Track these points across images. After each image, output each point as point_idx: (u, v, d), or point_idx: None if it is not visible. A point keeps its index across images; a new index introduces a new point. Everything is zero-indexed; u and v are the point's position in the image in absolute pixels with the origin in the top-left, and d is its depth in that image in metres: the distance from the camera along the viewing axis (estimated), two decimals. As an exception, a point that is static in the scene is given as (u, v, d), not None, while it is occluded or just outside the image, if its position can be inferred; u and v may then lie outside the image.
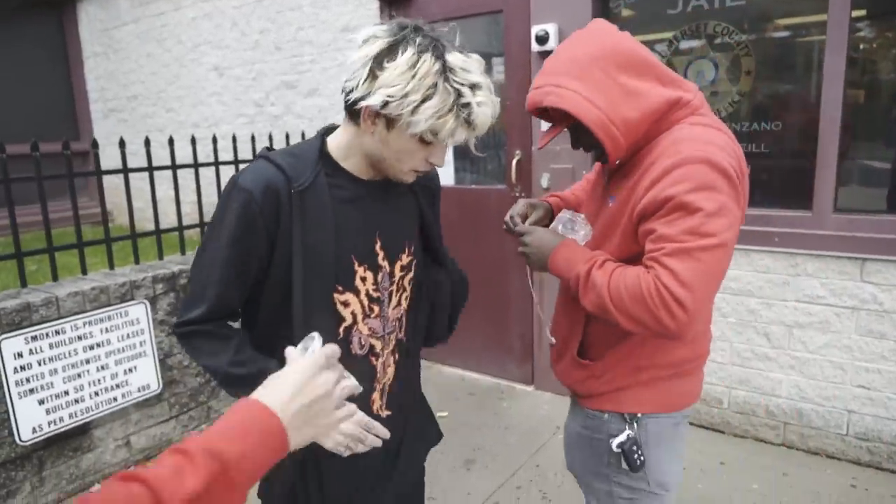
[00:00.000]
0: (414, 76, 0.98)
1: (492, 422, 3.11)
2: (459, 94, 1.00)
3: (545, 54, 3.10)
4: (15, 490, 2.37)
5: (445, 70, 1.00)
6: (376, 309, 1.19)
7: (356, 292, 1.15)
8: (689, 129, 1.20)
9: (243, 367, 1.07)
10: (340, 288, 1.13)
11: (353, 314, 1.16)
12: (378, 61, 0.99)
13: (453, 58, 1.01)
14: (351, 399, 0.94)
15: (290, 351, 0.83)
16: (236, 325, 1.17)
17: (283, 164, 1.08)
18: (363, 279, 1.16)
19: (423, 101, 0.98)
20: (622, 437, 1.30)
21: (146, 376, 2.72)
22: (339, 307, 1.14)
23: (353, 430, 0.96)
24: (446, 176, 3.64)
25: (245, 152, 3.82)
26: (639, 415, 1.32)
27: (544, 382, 3.46)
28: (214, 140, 3.26)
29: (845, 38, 2.46)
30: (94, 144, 2.77)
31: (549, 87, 1.21)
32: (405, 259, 1.24)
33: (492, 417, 3.16)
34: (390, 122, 1.03)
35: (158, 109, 5.73)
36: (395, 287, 1.22)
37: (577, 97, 1.17)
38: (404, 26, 1.03)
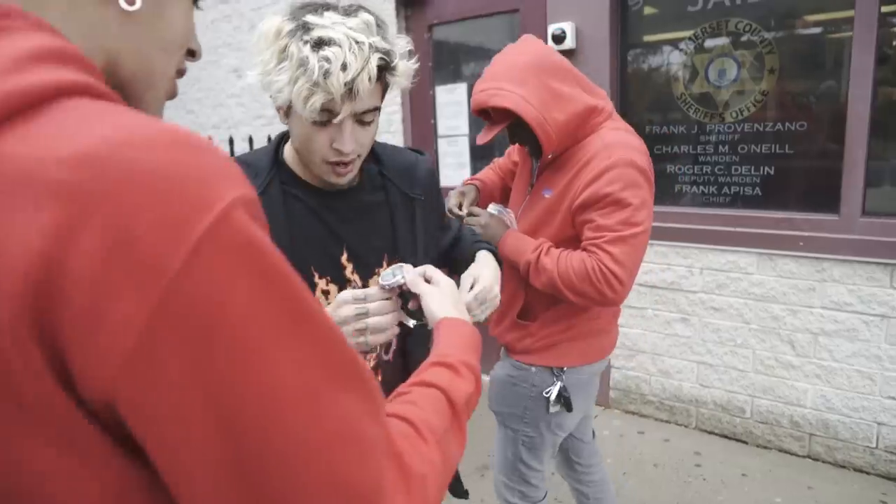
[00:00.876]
0: (269, 42, 0.89)
1: (507, 427, 3.06)
2: (302, 55, 0.86)
3: (562, 54, 3.04)
4: None
5: (298, 30, 0.87)
6: None
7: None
8: (613, 133, 1.47)
9: None
10: None
11: None
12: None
13: (314, 17, 0.88)
14: None
15: (419, 277, 0.90)
16: None
17: None
18: (325, 293, 1.07)
19: (279, 68, 0.88)
20: (556, 389, 1.60)
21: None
22: None
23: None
24: (461, 177, 3.60)
25: (262, 154, 3.82)
26: (564, 368, 1.61)
27: (561, 388, 3.39)
28: (231, 142, 3.26)
29: (874, 34, 2.36)
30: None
31: (493, 90, 1.42)
32: None
33: (507, 423, 3.12)
34: (283, 109, 0.97)
35: (179, 111, 5.79)
36: None
37: (518, 98, 1.40)
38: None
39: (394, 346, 1.15)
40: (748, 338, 2.79)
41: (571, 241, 1.52)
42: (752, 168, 2.76)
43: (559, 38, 2.98)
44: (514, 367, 1.67)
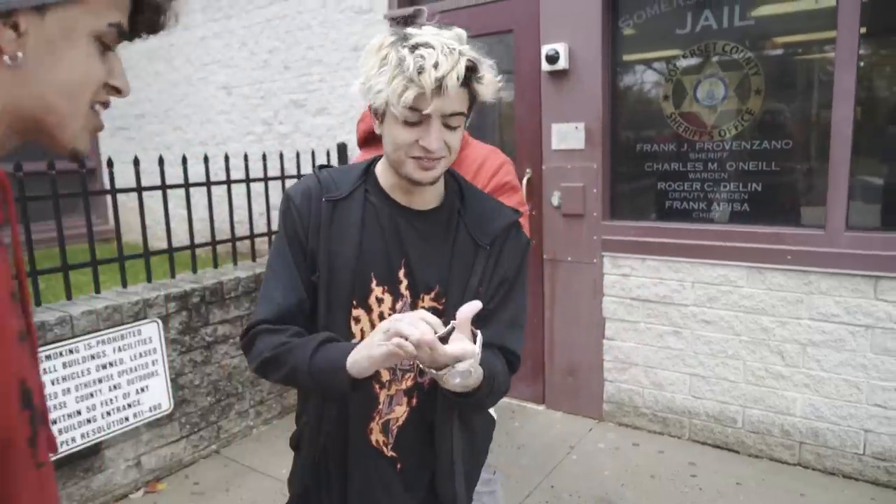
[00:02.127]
0: (372, 53, 1.02)
1: (504, 441, 3.09)
2: (400, 55, 0.98)
3: (555, 73, 3.13)
4: (25, 511, 2.34)
5: (398, 41, 1.00)
6: None
7: (368, 310, 1.12)
8: (483, 143, 1.85)
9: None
10: (355, 302, 1.12)
11: (363, 332, 1.13)
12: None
13: (412, 29, 1.02)
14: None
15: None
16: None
17: (324, 176, 1.16)
18: (379, 300, 1.12)
19: (380, 72, 1.00)
20: None
21: (158, 395, 2.70)
22: (351, 322, 1.12)
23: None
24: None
25: (256, 171, 3.82)
26: None
27: (556, 401, 3.44)
28: (226, 158, 3.27)
29: (855, 56, 2.48)
30: (110, 163, 2.78)
31: None
32: (430, 302, 1.14)
33: (503, 437, 3.14)
34: (379, 114, 1.07)
35: (166, 127, 5.77)
36: None
37: None
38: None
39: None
40: (739, 349, 2.87)
41: None
42: (741, 185, 2.86)
43: (552, 59, 3.07)
44: None
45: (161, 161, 2.94)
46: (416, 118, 1.01)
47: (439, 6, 3.56)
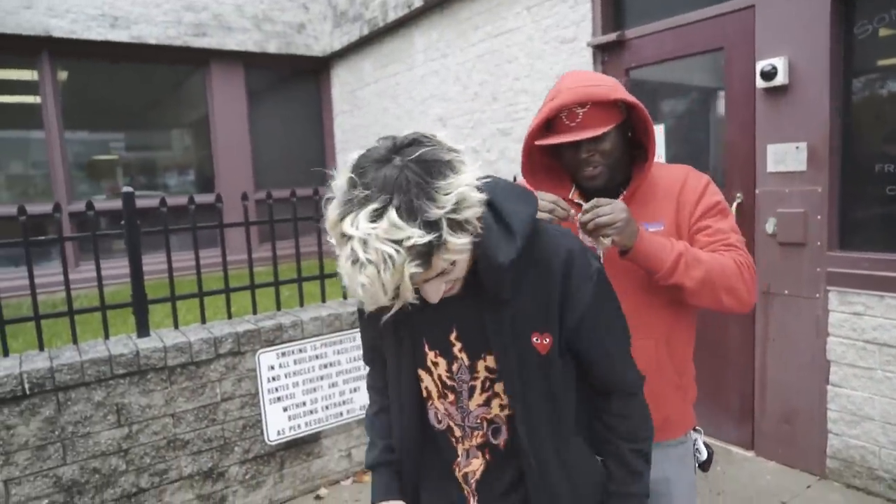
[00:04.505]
0: (331, 227, 0.91)
1: (702, 487, 2.86)
2: (345, 269, 0.87)
3: (772, 90, 2.87)
4: (262, 482, 2.81)
5: (342, 239, 0.88)
6: (451, 396, 1.13)
7: (429, 372, 1.14)
8: (667, 163, 1.58)
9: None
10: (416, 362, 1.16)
11: (428, 390, 1.16)
12: None
13: (350, 225, 0.85)
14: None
15: None
16: None
17: None
18: (434, 364, 1.13)
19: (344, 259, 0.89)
20: (705, 449, 1.52)
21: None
22: (418, 378, 1.17)
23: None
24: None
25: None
26: (696, 425, 1.55)
27: (767, 449, 3.09)
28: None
29: None
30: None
31: (611, 85, 1.38)
32: (493, 362, 1.08)
33: (702, 482, 2.91)
34: None
35: (390, 157, 6.45)
36: (479, 384, 1.11)
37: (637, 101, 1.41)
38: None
39: (504, 436, 1.12)
40: None
41: None
42: None
43: (769, 75, 2.82)
44: (681, 445, 1.50)
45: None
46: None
47: (642, 30, 3.49)
